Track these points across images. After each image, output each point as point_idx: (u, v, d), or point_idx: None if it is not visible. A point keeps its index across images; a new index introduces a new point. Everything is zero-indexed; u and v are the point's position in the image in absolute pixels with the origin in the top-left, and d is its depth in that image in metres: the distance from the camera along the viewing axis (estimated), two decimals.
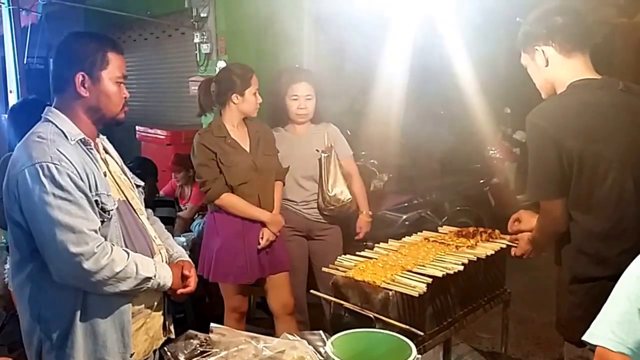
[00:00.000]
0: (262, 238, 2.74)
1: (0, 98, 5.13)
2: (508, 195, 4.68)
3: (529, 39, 1.86)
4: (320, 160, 3.01)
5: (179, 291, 1.74)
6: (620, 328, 1.23)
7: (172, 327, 1.83)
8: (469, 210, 4.66)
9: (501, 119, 5.40)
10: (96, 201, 1.58)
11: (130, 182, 1.83)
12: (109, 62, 1.64)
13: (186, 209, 4.39)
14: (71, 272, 1.53)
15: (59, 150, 1.54)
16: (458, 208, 4.67)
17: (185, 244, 3.92)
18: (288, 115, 3.01)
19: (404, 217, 4.78)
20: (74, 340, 1.58)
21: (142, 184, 1.90)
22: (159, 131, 5.09)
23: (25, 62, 4.30)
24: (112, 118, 1.69)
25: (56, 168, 1.50)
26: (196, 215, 4.30)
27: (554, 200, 1.78)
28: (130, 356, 1.65)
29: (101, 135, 1.79)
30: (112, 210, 1.61)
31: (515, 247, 2.12)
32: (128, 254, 1.60)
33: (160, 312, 1.78)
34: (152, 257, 1.72)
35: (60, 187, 1.50)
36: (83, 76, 1.62)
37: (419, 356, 1.38)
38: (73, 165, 1.54)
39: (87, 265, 1.51)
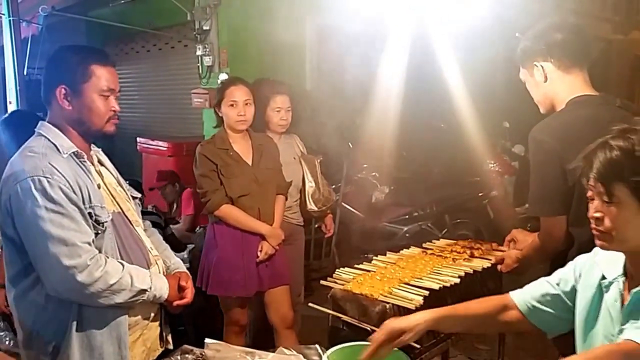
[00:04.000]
0: (260, 251, 2.75)
1: None
2: (507, 207, 4.70)
3: (528, 55, 1.88)
4: (302, 164, 3.14)
5: (175, 303, 1.74)
6: (532, 286, 1.45)
7: (169, 338, 1.83)
8: (469, 222, 4.69)
9: (500, 133, 5.43)
10: (89, 214, 1.58)
11: (127, 193, 1.83)
12: (92, 75, 1.62)
13: (180, 222, 4.37)
14: (65, 285, 1.53)
15: (50, 164, 1.54)
16: (458, 220, 4.69)
17: (185, 255, 3.93)
18: (268, 126, 3.06)
19: (405, 229, 4.80)
20: (70, 354, 1.58)
21: (139, 195, 1.92)
22: (160, 143, 5.11)
23: (25, 73, 4.31)
24: (98, 131, 1.67)
25: (48, 181, 1.51)
26: (198, 228, 4.30)
27: (557, 216, 1.78)
28: None
29: (95, 147, 1.80)
30: (106, 222, 1.61)
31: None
32: (123, 265, 1.61)
33: (157, 323, 1.79)
34: (148, 269, 1.72)
35: (52, 200, 1.51)
36: (65, 89, 1.62)
37: None
38: (65, 178, 1.54)
39: (80, 277, 1.51)
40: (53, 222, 1.50)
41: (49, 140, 1.61)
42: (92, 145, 1.78)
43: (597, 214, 1.23)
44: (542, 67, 1.85)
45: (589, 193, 1.25)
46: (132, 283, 1.59)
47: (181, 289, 1.77)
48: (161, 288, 1.68)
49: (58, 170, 1.54)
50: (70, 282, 1.52)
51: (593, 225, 1.25)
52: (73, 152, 1.62)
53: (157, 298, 1.67)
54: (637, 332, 1.14)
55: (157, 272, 1.76)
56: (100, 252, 1.59)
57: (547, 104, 1.90)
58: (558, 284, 1.42)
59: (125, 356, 1.64)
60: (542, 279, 1.47)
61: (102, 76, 1.64)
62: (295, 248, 3.17)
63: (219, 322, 2.98)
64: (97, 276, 1.53)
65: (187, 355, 1.36)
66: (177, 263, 1.92)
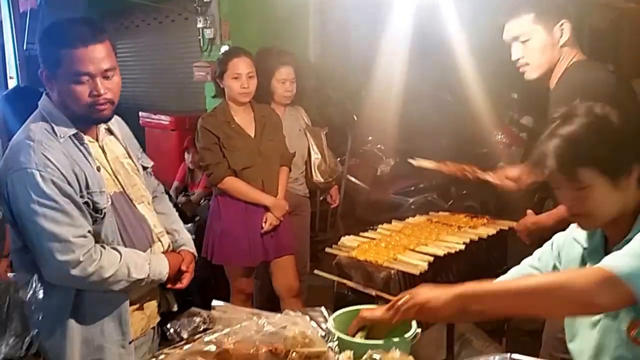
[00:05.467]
0: (265, 222, 2.75)
1: (0, 84, 5.13)
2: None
3: (558, 12, 1.80)
4: (307, 136, 3.11)
5: (169, 285, 1.72)
6: (516, 270, 1.47)
7: (172, 299, 1.82)
8: (475, 194, 4.65)
9: (508, 104, 5.35)
10: (86, 202, 1.54)
11: (136, 165, 1.77)
12: (61, 60, 1.49)
13: (194, 194, 4.40)
14: (60, 277, 1.54)
15: (44, 155, 1.49)
16: (464, 192, 4.65)
17: (191, 228, 3.95)
18: (273, 97, 3.01)
19: (410, 200, 4.78)
20: (70, 328, 1.59)
21: (151, 164, 1.86)
22: (162, 117, 5.08)
23: (25, 48, 4.27)
24: (84, 117, 1.56)
25: (40, 175, 1.47)
26: (203, 200, 4.31)
27: None
28: (130, 343, 1.64)
29: None
30: (105, 207, 1.58)
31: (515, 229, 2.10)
32: (121, 255, 1.57)
33: (157, 292, 1.77)
34: (151, 247, 1.70)
35: (45, 194, 1.47)
36: (45, 73, 1.55)
37: (419, 330, 1.38)
38: (59, 169, 1.50)
39: (74, 272, 1.50)
40: (46, 217, 1.48)
41: (47, 121, 1.56)
42: None
43: (572, 202, 1.22)
44: (564, 27, 1.79)
45: (553, 184, 1.24)
46: (129, 274, 1.57)
47: (180, 272, 1.74)
48: (160, 272, 1.66)
49: (52, 162, 1.50)
50: (65, 275, 1.51)
51: (571, 212, 1.25)
52: (71, 135, 1.57)
53: (155, 282, 1.66)
54: (611, 258, 1.13)
55: (160, 251, 1.73)
56: (100, 236, 1.57)
57: (546, 68, 1.84)
58: (539, 265, 1.42)
59: (126, 332, 1.64)
60: (525, 263, 1.47)
61: (73, 61, 1.48)
62: (301, 219, 3.17)
63: (224, 292, 3.00)
64: (91, 271, 1.51)
65: (194, 318, 1.36)
66: (185, 239, 1.87)
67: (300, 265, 3.06)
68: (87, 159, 1.59)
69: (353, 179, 4.85)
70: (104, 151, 1.68)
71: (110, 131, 1.74)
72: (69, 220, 1.50)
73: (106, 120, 1.63)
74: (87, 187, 1.55)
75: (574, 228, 1.37)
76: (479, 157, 4.89)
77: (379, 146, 4.84)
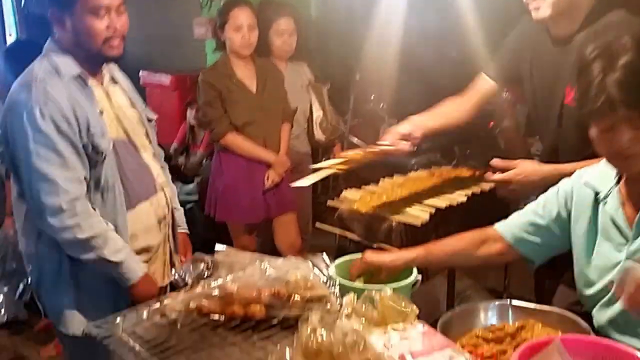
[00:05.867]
0: (267, 179, 2.76)
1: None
2: (518, 138, 4.62)
3: None
4: (309, 92, 3.08)
5: (135, 296, 1.60)
6: (518, 216, 1.44)
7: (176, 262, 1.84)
8: (478, 153, 4.62)
9: None
10: (85, 145, 1.53)
11: (140, 115, 1.77)
12: None
13: (195, 155, 4.38)
14: (39, 221, 1.54)
15: (46, 92, 1.49)
16: (467, 151, 4.63)
17: (193, 189, 3.97)
18: (272, 51, 2.96)
19: (413, 160, 4.74)
20: (65, 284, 1.60)
21: (155, 117, 1.85)
22: (163, 76, 5.03)
23: (22, 5, 4.20)
24: (97, 54, 1.58)
25: (40, 111, 1.47)
26: (205, 160, 4.31)
27: None
28: (114, 319, 1.56)
29: (111, 65, 1.71)
30: (105, 151, 1.57)
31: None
32: (105, 228, 1.55)
33: (163, 256, 1.77)
34: (155, 195, 1.71)
35: (41, 132, 1.47)
36: (56, 10, 1.55)
37: (419, 277, 1.41)
38: (60, 107, 1.50)
39: (51, 220, 1.49)
40: (39, 155, 1.48)
41: (51, 62, 1.56)
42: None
43: (629, 142, 1.12)
44: None
45: (603, 126, 1.14)
46: (102, 249, 1.53)
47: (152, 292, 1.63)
48: (133, 271, 1.59)
49: (53, 99, 1.49)
50: (43, 220, 1.51)
51: (624, 154, 1.15)
52: (74, 75, 1.57)
53: (122, 278, 1.58)
54: None
55: (162, 202, 1.72)
56: (99, 180, 1.56)
57: (563, 6, 1.61)
58: (543, 212, 1.40)
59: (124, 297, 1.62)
60: (528, 208, 1.45)
61: None
62: (303, 176, 3.17)
63: None
64: (67, 224, 1.49)
65: (198, 264, 1.39)
66: (178, 218, 1.85)
67: (302, 223, 3.09)
68: (89, 101, 1.58)
69: (355, 140, 4.83)
70: (108, 97, 1.68)
71: (114, 80, 1.74)
72: (61, 160, 1.49)
73: (117, 57, 1.63)
74: (88, 129, 1.55)
75: (581, 174, 1.35)
76: (484, 114, 4.85)
77: (381, 105, 4.78)
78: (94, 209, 1.58)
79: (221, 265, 1.33)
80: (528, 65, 1.82)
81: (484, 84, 2.05)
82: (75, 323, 1.63)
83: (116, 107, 1.70)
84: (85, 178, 1.55)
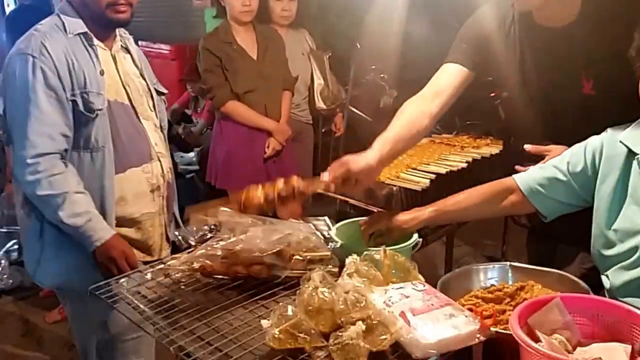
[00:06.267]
0: (268, 147, 2.75)
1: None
2: (519, 109, 4.60)
3: None
4: (311, 60, 3.03)
5: (102, 267, 1.55)
6: (539, 169, 1.41)
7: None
8: (479, 124, 4.61)
9: None
10: (75, 101, 1.53)
11: (149, 87, 1.76)
12: None
13: (197, 124, 4.36)
14: (14, 174, 1.56)
15: (43, 43, 1.51)
16: (467, 122, 4.61)
17: (194, 158, 3.97)
18: (271, 18, 2.92)
19: None
20: (49, 235, 1.60)
21: (165, 92, 1.85)
22: (162, 46, 4.98)
23: None
24: (100, 17, 1.58)
25: (32, 61, 1.49)
26: (205, 130, 4.30)
27: None
28: (118, 279, 1.44)
29: (125, 34, 1.74)
30: (99, 110, 1.56)
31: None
32: (67, 190, 1.50)
33: (160, 225, 1.75)
34: (149, 163, 1.70)
35: (26, 83, 1.48)
36: None
37: (420, 240, 1.42)
38: (53, 60, 1.50)
39: (15, 170, 1.53)
40: (18, 108, 1.50)
41: (60, 18, 1.57)
42: (123, 30, 1.72)
43: None
44: None
45: None
46: (58, 210, 1.50)
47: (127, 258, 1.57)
48: (95, 235, 1.53)
49: (48, 51, 1.50)
50: (14, 170, 1.54)
51: None
52: (80, 33, 1.57)
53: (83, 241, 1.53)
54: None
55: (158, 172, 1.70)
56: (89, 138, 1.56)
57: None
58: (567, 169, 1.37)
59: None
60: (549, 163, 1.43)
61: None
62: (303, 146, 3.17)
63: None
64: (28, 179, 1.50)
65: (201, 225, 1.40)
66: None
67: None
68: (92, 59, 1.59)
69: (355, 111, 4.80)
70: (115, 61, 1.67)
71: (127, 50, 1.74)
72: (38, 114, 1.49)
73: (124, 23, 1.63)
74: (85, 86, 1.55)
75: (614, 132, 1.31)
76: (484, 85, 4.81)
77: (382, 75, 4.74)
78: (82, 168, 1.57)
79: (224, 227, 1.34)
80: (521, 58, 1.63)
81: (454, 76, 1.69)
82: (51, 275, 1.65)
83: (122, 73, 1.69)
84: (65, 135, 1.53)
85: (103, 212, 1.59)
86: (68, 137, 1.54)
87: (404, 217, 1.45)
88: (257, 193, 1.34)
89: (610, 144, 1.32)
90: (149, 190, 1.72)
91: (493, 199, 1.46)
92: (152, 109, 1.77)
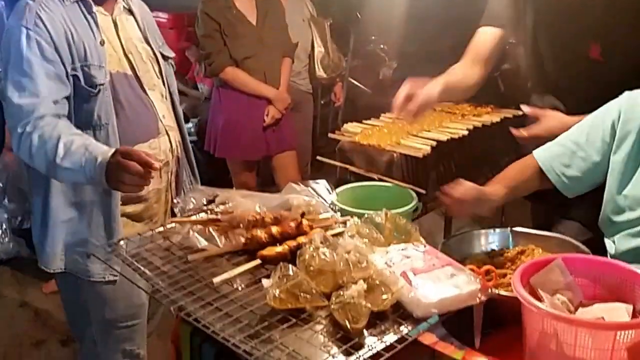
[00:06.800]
0: (267, 115, 2.72)
1: None
2: (519, 81, 4.55)
3: None
4: (311, 27, 3.00)
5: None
6: (557, 145, 1.38)
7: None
8: (478, 96, 4.56)
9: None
10: (76, 75, 1.46)
11: (153, 52, 1.66)
12: None
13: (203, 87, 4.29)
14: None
15: (38, 14, 1.43)
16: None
17: (192, 129, 3.93)
18: None
19: None
20: (53, 216, 1.54)
21: (172, 55, 1.73)
22: (160, 14, 4.85)
23: None
24: None
25: (27, 34, 1.41)
26: (204, 100, 4.25)
27: None
28: (118, 242, 1.37)
29: None
30: (101, 84, 1.48)
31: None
32: (59, 132, 1.38)
33: (166, 205, 1.70)
34: (157, 137, 1.62)
35: (21, 56, 1.41)
36: None
37: (420, 203, 1.41)
38: (49, 32, 1.43)
39: (12, 143, 1.46)
40: (14, 84, 1.41)
41: None
42: None
43: None
44: None
45: None
46: (58, 157, 1.36)
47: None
48: (104, 151, 1.35)
49: (44, 22, 1.43)
50: (12, 145, 1.48)
51: None
52: (79, 0, 1.49)
53: (92, 168, 1.33)
54: None
55: (166, 147, 1.62)
56: (92, 115, 1.49)
57: None
58: (586, 142, 1.34)
59: (115, 229, 1.56)
60: (568, 138, 1.38)
61: None
62: (303, 116, 3.15)
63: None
64: (22, 145, 1.41)
65: (200, 195, 1.38)
66: None
67: (302, 164, 3.08)
68: (91, 29, 1.50)
69: (355, 82, 4.75)
70: (116, 27, 1.58)
71: (130, 11, 1.65)
72: (33, 89, 1.40)
73: None
74: (85, 59, 1.48)
75: (631, 95, 1.29)
76: None
77: (382, 46, 4.68)
78: None
79: (223, 197, 1.33)
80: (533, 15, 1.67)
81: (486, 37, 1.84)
82: (57, 261, 1.59)
83: (124, 39, 1.59)
84: (57, 102, 1.44)
85: (107, 192, 1.53)
86: (62, 105, 1.45)
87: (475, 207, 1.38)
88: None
89: (629, 108, 1.29)
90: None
91: (527, 178, 1.41)
92: (159, 75, 1.67)
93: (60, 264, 1.60)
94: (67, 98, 1.47)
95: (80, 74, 1.47)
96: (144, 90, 1.61)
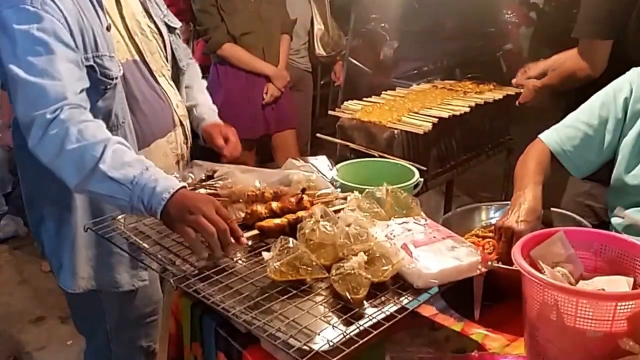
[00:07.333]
0: (266, 93, 2.70)
1: None
2: (521, 61, 4.51)
3: None
4: (311, 3, 2.95)
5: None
6: (565, 127, 1.35)
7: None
8: (480, 77, 4.53)
9: None
10: (91, 66, 1.25)
11: (157, 26, 1.47)
12: None
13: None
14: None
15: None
16: (469, 75, 4.53)
17: None
18: None
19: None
20: (73, 205, 1.37)
21: (178, 25, 1.54)
22: None
23: None
24: None
25: (35, 12, 1.18)
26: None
27: (605, 40, 1.65)
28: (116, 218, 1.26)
29: None
30: (116, 77, 1.30)
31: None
32: (107, 135, 1.17)
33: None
34: (173, 130, 1.48)
35: (30, 38, 1.17)
36: None
37: (422, 180, 1.40)
38: (62, 12, 1.21)
39: (25, 134, 1.19)
40: (25, 65, 1.16)
41: None
42: None
43: None
44: None
45: None
46: (102, 162, 1.12)
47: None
48: (165, 179, 1.14)
49: (55, 2, 1.21)
50: (16, 138, 1.31)
51: None
52: None
53: (139, 207, 1.13)
54: None
55: (181, 139, 1.50)
56: (110, 115, 1.32)
57: None
58: (598, 122, 1.31)
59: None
60: (579, 119, 1.34)
61: None
62: (303, 95, 3.12)
63: None
64: (50, 133, 1.15)
65: (199, 170, 1.37)
66: (205, 112, 1.59)
67: (301, 144, 3.06)
68: (97, 13, 1.31)
69: (355, 62, 4.70)
70: (118, 4, 1.39)
71: None
72: (52, 71, 1.17)
73: None
74: (97, 48, 1.28)
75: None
76: (487, 36, 4.71)
77: (382, 25, 4.62)
78: None
79: (222, 172, 1.32)
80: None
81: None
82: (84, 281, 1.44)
83: (128, 17, 1.41)
84: (78, 92, 1.22)
85: None
86: (85, 99, 1.23)
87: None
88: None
89: (638, 85, 1.27)
90: (175, 162, 1.51)
91: (546, 166, 1.35)
92: (164, 53, 1.49)
93: (88, 284, 1.44)
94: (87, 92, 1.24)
95: (95, 66, 1.27)
96: (155, 78, 1.45)
